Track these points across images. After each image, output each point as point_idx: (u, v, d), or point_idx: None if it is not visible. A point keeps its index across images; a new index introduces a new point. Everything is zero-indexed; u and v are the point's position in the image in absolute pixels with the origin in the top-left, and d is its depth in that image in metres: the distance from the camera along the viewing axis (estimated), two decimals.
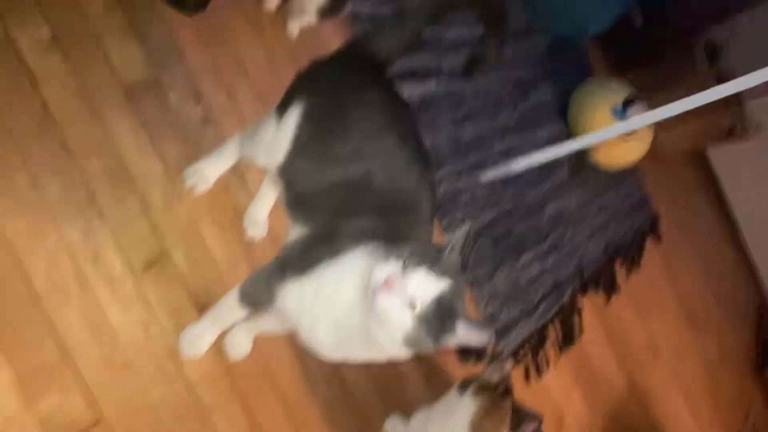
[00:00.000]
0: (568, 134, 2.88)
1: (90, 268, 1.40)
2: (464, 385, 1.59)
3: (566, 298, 2.59)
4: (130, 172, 1.51)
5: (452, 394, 1.60)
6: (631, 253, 3.07)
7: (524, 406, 1.64)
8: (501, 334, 2.26)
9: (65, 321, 1.33)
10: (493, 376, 1.56)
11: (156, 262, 1.49)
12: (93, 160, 1.46)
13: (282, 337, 1.64)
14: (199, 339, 1.45)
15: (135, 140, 1.54)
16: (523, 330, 2.35)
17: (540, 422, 1.74)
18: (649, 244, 3.22)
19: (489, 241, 2.34)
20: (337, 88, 1.30)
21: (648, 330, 3.00)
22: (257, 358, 1.58)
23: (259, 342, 1.58)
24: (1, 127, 1.35)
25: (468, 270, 2.21)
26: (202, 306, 1.52)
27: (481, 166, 2.41)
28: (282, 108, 1.32)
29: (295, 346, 1.65)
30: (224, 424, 1.49)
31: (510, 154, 2.52)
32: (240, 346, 1.53)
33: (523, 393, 2.26)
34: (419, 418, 1.67)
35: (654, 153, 3.01)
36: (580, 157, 2.91)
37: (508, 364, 1.60)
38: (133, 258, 1.46)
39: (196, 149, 1.62)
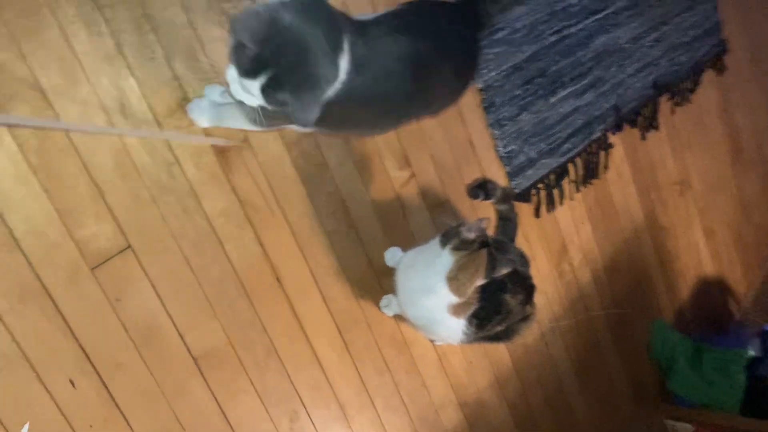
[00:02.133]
0: None
1: (118, 115, 1.58)
2: (446, 238, 1.76)
3: (596, 135, 2.63)
4: (154, 21, 1.61)
5: (436, 244, 1.78)
6: (682, 88, 3.00)
7: (509, 250, 1.81)
8: (516, 172, 2.38)
9: (97, 161, 1.55)
10: (470, 234, 1.71)
11: (178, 109, 1.65)
12: (119, 8, 1.57)
13: (293, 177, 1.83)
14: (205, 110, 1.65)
15: None
16: (542, 168, 2.45)
17: (525, 264, 1.94)
18: (706, 77, 3.11)
19: (520, 81, 2.36)
20: None
21: (682, 166, 3.04)
22: (269, 194, 1.79)
23: (272, 181, 1.78)
24: None
25: (493, 110, 2.28)
26: (221, 148, 1.71)
27: None
28: None
29: (306, 182, 1.85)
30: (237, 252, 1.75)
31: None
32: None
33: (531, 226, 2.43)
34: (409, 256, 1.88)
35: None
36: None
37: (484, 223, 1.73)
38: (157, 105, 1.62)
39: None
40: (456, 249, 1.72)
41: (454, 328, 1.81)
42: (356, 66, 1.33)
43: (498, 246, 1.80)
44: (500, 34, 2.30)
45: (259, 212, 1.79)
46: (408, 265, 1.83)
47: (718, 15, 3.15)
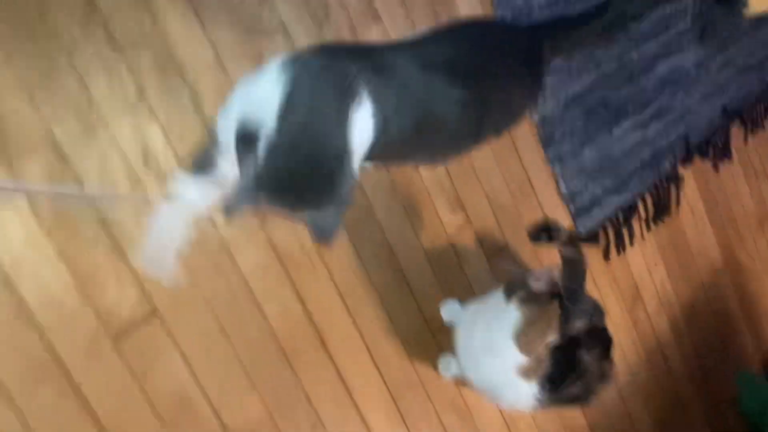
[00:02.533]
0: None
1: (141, 166, 1.42)
2: (509, 289, 1.56)
3: (665, 168, 2.41)
4: (180, 63, 1.47)
5: (499, 296, 1.59)
6: (754, 114, 2.75)
7: (582, 300, 1.60)
8: (581, 212, 2.16)
9: (118, 220, 1.39)
10: (538, 285, 1.51)
11: None
12: (141, 51, 1.43)
13: None
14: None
15: (185, 27, 1.48)
16: (609, 207, 2.24)
17: (600, 315, 1.72)
18: None
19: (581, 112, 2.17)
20: None
21: (759, 198, 2.78)
22: (309, 245, 1.61)
23: None
24: (44, 24, 1.33)
25: (552, 146, 2.08)
26: None
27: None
28: None
29: (349, 230, 1.67)
30: (276, 312, 1.57)
31: None
32: None
33: (600, 270, 2.21)
34: (469, 310, 1.69)
35: None
36: (707, 2, 2.53)
37: (555, 273, 1.54)
38: (185, 153, 1.47)
39: (251, 34, 1.55)
40: (523, 302, 1.53)
41: (523, 393, 1.61)
42: (386, 113, 1.15)
43: (570, 296, 1.60)
44: (556, 62, 2.12)
45: (298, 266, 1.61)
46: (469, 321, 1.63)
47: None
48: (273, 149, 1.02)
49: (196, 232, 1.46)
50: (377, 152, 1.18)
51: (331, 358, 1.65)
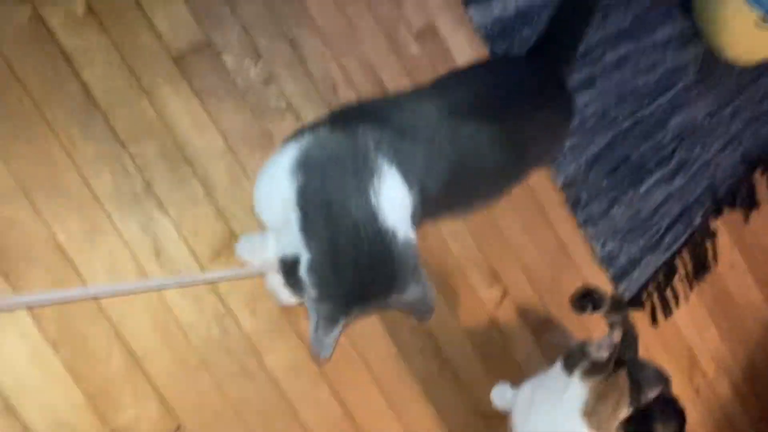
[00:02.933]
0: (695, 31, 2.46)
1: (153, 264, 1.29)
2: (569, 362, 1.40)
3: (697, 222, 2.29)
4: (188, 151, 1.37)
5: (558, 371, 1.42)
6: None
7: (645, 367, 1.44)
8: (621, 275, 2.02)
9: (131, 326, 1.24)
10: (602, 353, 1.35)
11: (224, 249, 1.36)
12: (145, 143, 1.33)
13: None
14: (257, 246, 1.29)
15: (190, 115, 1.39)
16: (648, 267, 2.10)
17: (666, 382, 1.55)
18: None
19: (604, 171, 2.07)
20: None
21: None
22: (342, 338, 1.45)
23: None
24: (41, 120, 1.23)
25: (581, 208, 1.97)
26: None
27: (591, 82, 2.10)
28: None
29: (384, 317, 1.52)
30: (314, 414, 1.40)
31: (624, 63, 2.18)
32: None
33: (650, 337, 2.04)
34: (524, 392, 1.51)
35: None
36: (709, 56, 2.50)
37: (615, 335, 1.39)
38: (199, 247, 1.34)
39: (259, 116, 1.46)
40: (588, 375, 1.36)
41: None
42: (418, 176, 1.06)
43: (634, 364, 1.45)
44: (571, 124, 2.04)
45: (334, 362, 1.44)
46: (525, 405, 1.46)
47: None
48: (316, 268, 0.99)
49: (218, 332, 1.31)
50: (422, 215, 1.07)
51: None
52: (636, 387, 1.40)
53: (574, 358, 1.41)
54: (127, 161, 1.30)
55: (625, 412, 1.38)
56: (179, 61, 1.39)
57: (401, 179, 1.03)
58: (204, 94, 1.42)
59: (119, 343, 1.22)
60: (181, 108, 1.38)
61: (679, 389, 1.96)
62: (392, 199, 1.01)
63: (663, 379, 1.60)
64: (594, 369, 1.37)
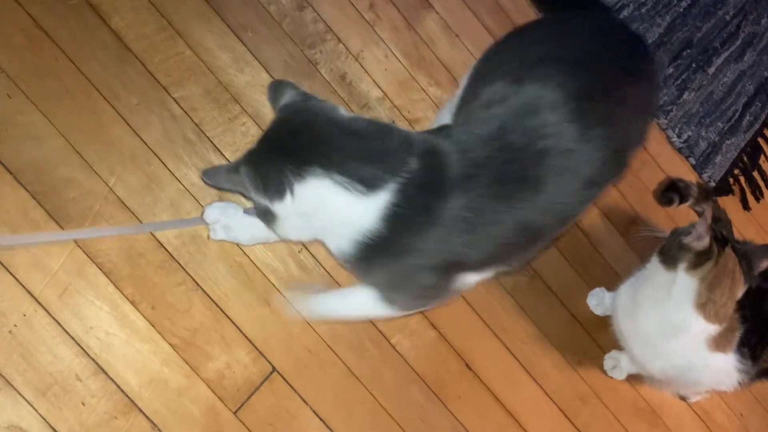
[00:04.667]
0: None
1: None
2: (669, 257, 1.28)
3: None
4: (234, 89, 1.30)
5: (657, 268, 1.30)
6: None
7: (747, 243, 1.33)
8: (703, 163, 1.89)
9: (207, 273, 1.18)
10: (701, 242, 1.23)
11: None
12: (189, 85, 1.26)
13: None
14: None
15: (229, 51, 1.32)
16: (730, 151, 1.96)
17: None
18: None
19: (668, 58, 1.93)
20: None
21: None
22: None
23: None
24: (79, 75, 1.18)
25: None
26: None
27: None
28: None
29: None
30: (408, 343, 1.33)
31: None
32: None
33: (743, 222, 1.91)
34: (624, 295, 1.40)
35: None
36: None
37: (708, 216, 1.25)
38: None
39: (300, 42, 1.38)
40: (694, 267, 1.24)
41: (722, 368, 1.34)
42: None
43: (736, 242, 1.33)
44: (626, 12, 1.90)
45: None
46: (630, 307, 1.35)
47: None
48: None
49: (296, 268, 1.25)
50: None
51: (484, 385, 1.38)
52: (746, 263, 1.29)
53: (672, 252, 1.29)
54: (173, 106, 1.24)
55: (741, 291, 1.27)
56: None
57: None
58: (239, 29, 1.34)
59: (199, 292, 1.17)
60: (218, 45, 1.31)
61: None
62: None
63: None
64: (700, 259, 1.26)
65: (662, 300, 1.28)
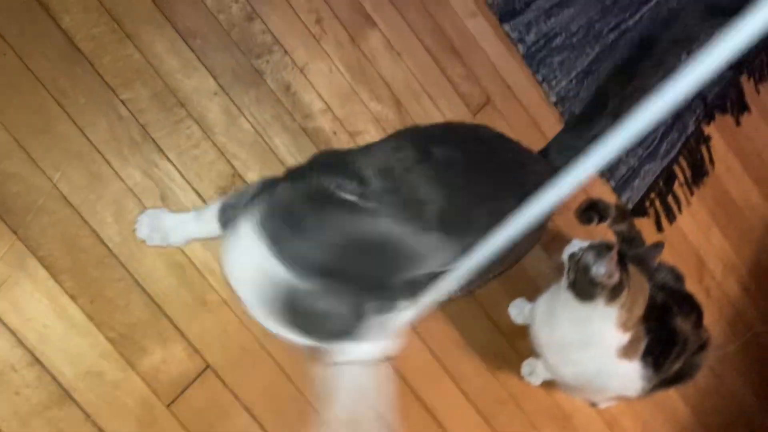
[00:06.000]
0: None
1: (160, 207, 1.26)
2: (581, 293, 1.34)
3: (690, 129, 2.29)
4: (181, 94, 1.34)
5: (574, 302, 1.37)
6: (758, 63, 2.67)
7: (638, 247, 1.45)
8: (623, 186, 2.02)
9: (147, 270, 1.22)
10: (611, 279, 1.30)
11: (229, 188, 1.34)
12: (136, 88, 1.30)
13: None
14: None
15: (177, 56, 1.36)
16: (648, 176, 2.10)
17: (682, 280, 1.58)
18: None
19: (594, 85, 2.06)
20: None
21: None
22: None
23: None
24: (27, 75, 1.20)
25: None
26: None
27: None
28: None
29: None
30: None
31: None
32: None
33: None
34: (543, 306, 1.48)
35: None
36: None
37: (614, 253, 1.32)
38: (204, 188, 1.32)
39: (247, 52, 1.43)
40: (611, 299, 1.32)
41: (628, 376, 1.44)
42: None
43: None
44: (557, 41, 2.02)
45: None
46: (547, 318, 1.45)
47: None
48: None
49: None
50: None
51: (408, 385, 1.46)
52: (644, 266, 1.39)
53: (586, 290, 1.36)
54: (120, 107, 1.27)
55: (647, 294, 1.38)
56: (159, 2, 1.36)
57: None
58: (189, 35, 1.38)
59: (138, 288, 1.20)
60: (167, 50, 1.35)
61: (689, 291, 1.98)
62: None
63: (674, 278, 1.62)
64: (616, 292, 1.34)
65: (581, 321, 1.36)
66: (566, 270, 1.38)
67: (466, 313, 1.58)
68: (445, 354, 1.52)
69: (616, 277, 1.30)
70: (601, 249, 1.34)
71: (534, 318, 1.52)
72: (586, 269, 1.32)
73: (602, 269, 1.29)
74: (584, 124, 1.33)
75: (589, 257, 1.33)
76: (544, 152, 1.36)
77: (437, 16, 1.77)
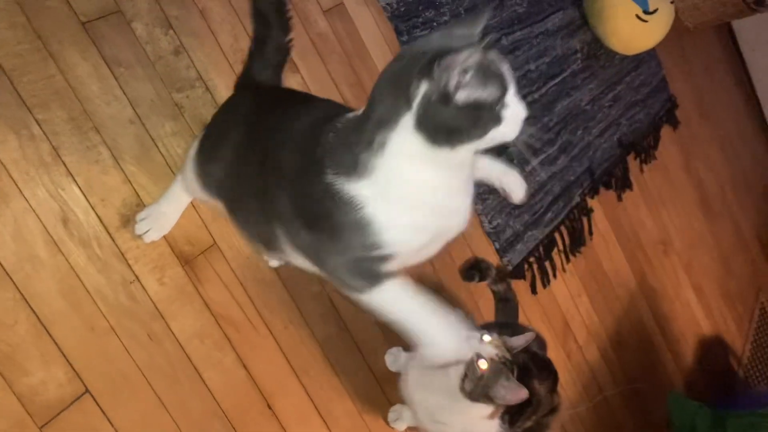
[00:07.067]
0: (584, 20, 2.65)
1: (61, 231, 1.30)
2: (473, 396, 1.45)
3: (576, 200, 2.49)
4: (97, 119, 1.37)
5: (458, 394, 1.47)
6: (645, 144, 2.92)
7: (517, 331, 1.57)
8: (506, 248, 2.18)
9: (39, 291, 1.25)
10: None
11: (133, 217, 1.38)
12: (53, 109, 1.32)
13: (273, 281, 1.57)
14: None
15: (99, 82, 1.39)
16: (530, 241, 2.27)
17: (544, 346, 1.72)
18: (665, 133, 3.06)
19: (493, 151, 2.20)
20: None
21: (660, 225, 2.92)
22: (247, 304, 1.52)
23: (249, 289, 1.52)
24: None
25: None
26: (187, 258, 1.44)
27: None
28: None
29: (287, 284, 1.59)
30: (219, 380, 1.45)
31: (517, 48, 2.33)
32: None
33: (529, 305, 2.22)
34: (415, 368, 1.58)
35: (675, 27, 2.78)
36: (595, 44, 2.70)
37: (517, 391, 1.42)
38: (107, 214, 1.36)
39: (169, 85, 1.48)
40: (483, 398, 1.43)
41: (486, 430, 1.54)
42: None
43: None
44: None
45: (238, 328, 1.51)
46: (423, 386, 1.54)
47: (663, 71, 3.14)
48: None
49: (126, 298, 1.34)
50: None
51: (281, 425, 1.54)
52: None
53: (477, 397, 1.45)
54: (33, 127, 1.29)
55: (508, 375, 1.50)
56: (88, 26, 1.39)
57: None
58: (113, 62, 1.42)
59: (26, 308, 1.23)
60: (89, 74, 1.38)
61: (553, 352, 2.17)
62: None
63: (538, 344, 1.77)
64: (484, 388, 1.43)
65: (460, 407, 1.46)
66: (461, 377, 1.40)
67: (344, 354, 1.68)
68: (320, 396, 1.61)
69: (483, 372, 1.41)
70: (502, 370, 1.38)
71: (406, 376, 1.62)
72: (486, 389, 1.37)
73: (509, 397, 1.36)
74: (263, 45, 1.39)
75: (497, 384, 1.37)
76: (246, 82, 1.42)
77: (358, 69, 1.87)
